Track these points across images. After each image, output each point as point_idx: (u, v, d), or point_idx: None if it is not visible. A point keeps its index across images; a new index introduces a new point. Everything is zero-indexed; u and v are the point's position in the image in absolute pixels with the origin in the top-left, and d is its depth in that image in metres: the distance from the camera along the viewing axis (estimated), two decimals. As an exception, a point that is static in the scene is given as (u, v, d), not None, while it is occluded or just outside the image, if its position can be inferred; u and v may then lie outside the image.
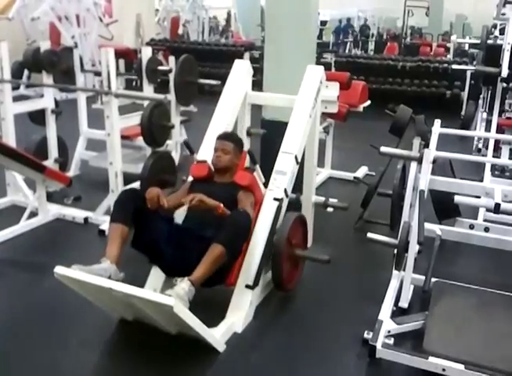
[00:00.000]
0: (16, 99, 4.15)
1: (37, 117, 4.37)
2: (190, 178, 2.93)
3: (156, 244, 2.52)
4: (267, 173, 2.93)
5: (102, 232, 3.49)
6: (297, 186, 3.16)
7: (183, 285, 2.24)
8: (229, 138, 2.89)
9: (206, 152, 3.00)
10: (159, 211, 2.53)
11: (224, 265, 2.46)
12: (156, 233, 2.53)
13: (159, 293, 2.40)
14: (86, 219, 3.68)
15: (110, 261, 2.36)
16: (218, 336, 2.33)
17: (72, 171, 4.69)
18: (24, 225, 3.51)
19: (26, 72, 6.99)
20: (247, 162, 2.99)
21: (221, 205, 2.47)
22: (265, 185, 2.91)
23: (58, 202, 3.92)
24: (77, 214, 3.73)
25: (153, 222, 2.54)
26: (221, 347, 2.33)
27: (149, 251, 2.57)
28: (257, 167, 2.91)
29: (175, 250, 2.51)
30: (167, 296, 2.07)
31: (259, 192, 2.86)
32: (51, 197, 3.88)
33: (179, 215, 2.74)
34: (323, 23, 16.53)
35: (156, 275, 2.68)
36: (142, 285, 2.59)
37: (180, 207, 2.73)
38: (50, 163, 4.23)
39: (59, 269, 2.18)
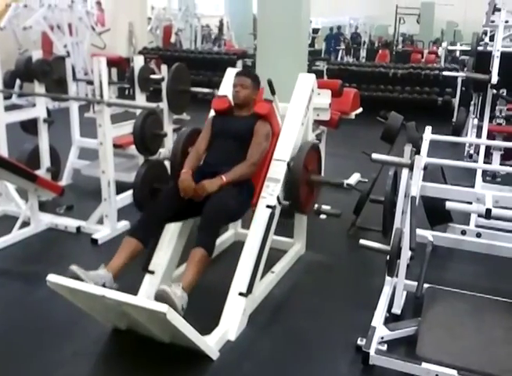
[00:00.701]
0: (7, 108, 4.14)
1: (30, 126, 4.37)
2: (212, 113, 3.11)
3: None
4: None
5: (94, 241, 3.49)
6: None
7: (176, 290, 2.24)
8: (247, 74, 3.07)
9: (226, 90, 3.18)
10: None
11: (248, 195, 2.80)
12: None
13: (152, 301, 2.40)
14: (79, 228, 3.67)
15: (108, 270, 2.37)
16: (211, 344, 2.33)
17: (64, 181, 4.68)
18: (16, 234, 3.50)
19: (18, 81, 6.96)
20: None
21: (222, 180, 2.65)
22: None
23: (50, 211, 3.91)
24: (70, 223, 3.72)
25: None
26: (214, 355, 2.33)
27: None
28: (276, 97, 3.10)
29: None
30: (164, 293, 2.15)
31: (276, 122, 3.06)
32: (43, 207, 3.87)
33: None
34: (315, 31, 16.64)
35: (149, 283, 2.68)
36: (134, 294, 2.58)
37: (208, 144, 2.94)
38: (42, 172, 4.22)
39: (52, 278, 2.17)
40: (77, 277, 2.24)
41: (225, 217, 2.66)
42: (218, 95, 3.18)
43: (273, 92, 3.14)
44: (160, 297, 2.19)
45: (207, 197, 2.59)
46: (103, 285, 2.29)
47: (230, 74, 3.37)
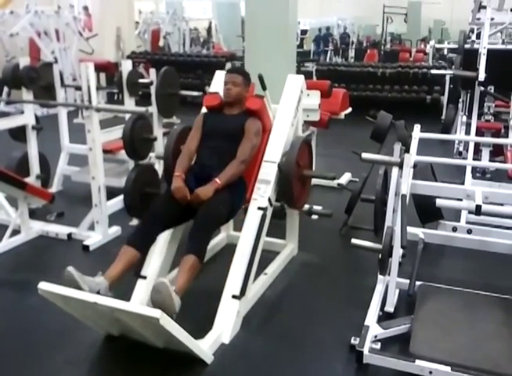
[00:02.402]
0: (-5, 116, 4.12)
1: (18, 133, 4.33)
2: (204, 110, 3.09)
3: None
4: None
5: (86, 247, 3.47)
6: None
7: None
8: (238, 71, 3.08)
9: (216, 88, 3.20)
10: None
11: (240, 194, 2.81)
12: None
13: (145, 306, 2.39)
14: (70, 235, 3.65)
15: (106, 278, 2.36)
16: (205, 348, 2.32)
17: (54, 187, 4.65)
18: (7, 243, 3.47)
19: (5, 89, 6.95)
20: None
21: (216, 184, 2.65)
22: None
23: (41, 219, 3.88)
24: (61, 230, 3.70)
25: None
26: (208, 359, 2.32)
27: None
28: (267, 92, 3.11)
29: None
30: (162, 285, 2.17)
31: (268, 118, 3.07)
32: (33, 214, 3.84)
33: None
34: (304, 32, 16.69)
35: (141, 289, 2.67)
36: (127, 300, 2.57)
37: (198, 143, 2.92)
38: (32, 179, 4.19)
39: (43, 285, 2.16)
40: (73, 279, 2.22)
41: (215, 223, 2.67)
42: (210, 92, 3.17)
43: (264, 88, 3.15)
44: (157, 290, 2.19)
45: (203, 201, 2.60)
46: (98, 292, 2.27)
47: (219, 76, 3.38)
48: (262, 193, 2.86)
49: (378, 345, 2.36)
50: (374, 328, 2.44)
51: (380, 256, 2.68)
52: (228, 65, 9.27)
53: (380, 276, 2.85)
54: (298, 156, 2.96)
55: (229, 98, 2.95)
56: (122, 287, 2.53)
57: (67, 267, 2.26)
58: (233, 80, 2.95)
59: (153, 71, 4.38)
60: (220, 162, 2.75)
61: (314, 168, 4.87)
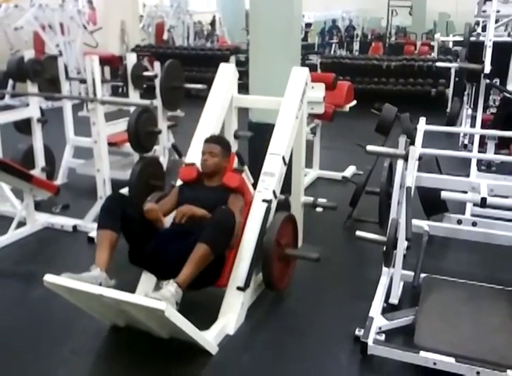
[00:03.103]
0: (1, 108, 4.15)
1: (23, 126, 4.35)
2: (179, 182, 2.93)
3: (153, 248, 2.52)
4: (255, 175, 2.94)
5: (91, 239, 3.48)
6: (286, 186, 3.18)
7: (170, 287, 2.24)
8: (216, 141, 2.89)
9: (194, 155, 3.01)
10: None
11: (214, 267, 2.47)
12: (150, 236, 2.55)
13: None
14: (75, 227, 3.67)
15: (100, 268, 2.35)
16: (210, 339, 2.33)
17: (59, 180, 4.67)
18: (13, 235, 3.49)
19: (10, 82, 6.96)
20: (235, 164, 3.00)
21: (209, 215, 2.50)
22: (254, 186, 2.92)
23: (46, 211, 3.90)
24: (66, 222, 3.71)
25: (144, 228, 2.56)
26: (213, 350, 2.33)
27: (147, 259, 2.56)
28: (246, 168, 2.92)
29: (166, 248, 2.50)
30: (155, 299, 2.07)
31: (248, 193, 2.87)
32: (39, 206, 3.86)
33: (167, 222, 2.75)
34: (308, 25, 16.60)
35: (146, 280, 2.68)
36: (133, 291, 2.59)
37: (169, 213, 2.75)
38: (37, 172, 4.21)
39: (49, 277, 2.17)
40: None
41: (229, 226, 2.47)
42: (186, 164, 2.96)
43: (242, 164, 2.93)
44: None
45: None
46: (100, 285, 2.27)
47: (223, 69, 3.37)
48: (266, 186, 2.85)
49: (382, 337, 2.37)
50: (379, 320, 2.45)
51: (384, 248, 2.69)
52: (233, 58, 9.26)
53: (384, 269, 2.85)
54: (279, 234, 2.70)
55: (207, 169, 2.79)
56: (126, 278, 2.54)
57: (62, 274, 2.22)
58: (211, 150, 2.80)
59: (157, 64, 4.37)
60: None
61: (319, 163, 4.91)
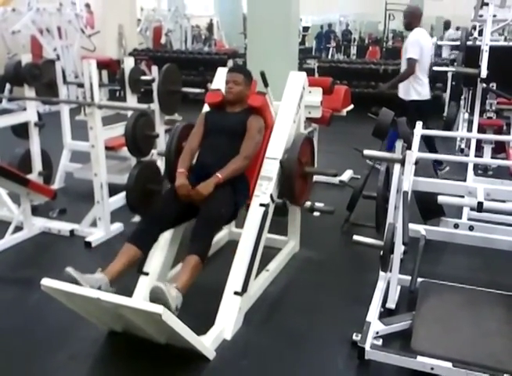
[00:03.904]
0: (-2, 113, 4.13)
1: (21, 130, 4.34)
2: (205, 108, 3.13)
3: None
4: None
5: (88, 244, 3.48)
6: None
7: (171, 290, 2.24)
8: (239, 70, 3.07)
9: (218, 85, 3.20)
10: None
11: (243, 191, 2.84)
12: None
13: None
14: (72, 232, 3.66)
15: (105, 274, 2.37)
16: (207, 344, 2.33)
17: (57, 184, 4.67)
18: (9, 239, 3.48)
19: (8, 86, 6.96)
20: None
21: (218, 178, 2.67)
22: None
23: (43, 215, 3.90)
24: (63, 226, 3.71)
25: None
26: (210, 354, 2.33)
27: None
28: (269, 89, 3.12)
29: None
30: (158, 289, 2.14)
31: (270, 115, 3.08)
32: (36, 211, 3.86)
33: None
34: (305, 29, 16.65)
35: (144, 285, 2.68)
36: (130, 296, 2.58)
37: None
38: (34, 176, 4.21)
39: (46, 281, 2.16)
40: (73, 279, 2.23)
41: (217, 224, 2.68)
42: (211, 89, 3.20)
43: (266, 85, 3.15)
44: (154, 293, 2.20)
45: (205, 199, 2.61)
46: (99, 288, 2.28)
47: (221, 73, 3.38)
48: (264, 190, 2.86)
49: (380, 342, 2.37)
50: (376, 324, 2.45)
51: (381, 253, 2.69)
52: (230, 62, 9.27)
53: (381, 273, 2.85)
54: (300, 153, 2.97)
55: (231, 97, 2.97)
56: (124, 283, 2.54)
57: (66, 268, 2.25)
58: (234, 79, 2.96)
59: (155, 68, 4.38)
60: (221, 160, 2.76)
61: (316, 165, 4.91)
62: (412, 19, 4.83)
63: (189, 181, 2.71)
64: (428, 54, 4.97)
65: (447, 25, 12.74)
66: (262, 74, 3.14)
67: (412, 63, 4.70)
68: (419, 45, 4.72)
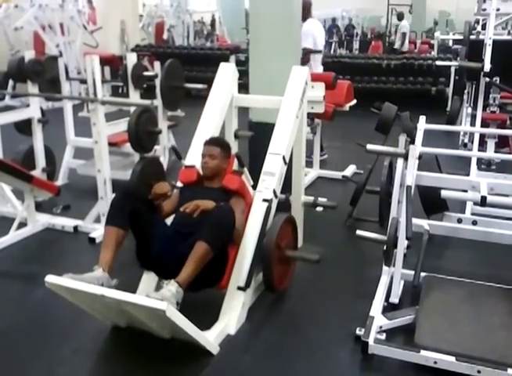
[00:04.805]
0: (1, 109, 4.15)
1: (24, 126, 4.35)
2: (179, 184, 2.92)
3: (158, 247, 2.52)
4: (256, 175, 2.94)
5: (92, 240, 3.49)
6: (286, 186, 3.18)
7: (170, 287, 2.24)
8: (215, 143, 2.88)
9: (194, 157, 3.00)
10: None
11: (216, 267, 2.49)
12: (157, 235, 2.55)
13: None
14: (76, 228, 3.68)
15: (103, 268, 2.36)
16: (211, 339, 2.34)
17: (60, 180, 4.68)
18: (14, 235, 3.50)
19: (11, 82, 6.96)
20: (235, 165, 2.99)
21: (215, 204, 2.50)
22: (254, 187, 2.91)
23: (47, 211, 3.91)
24: (67, 223, 3.72)
25: (153, 224, 2.59)
26: (214, 350, 2.34)
27: (153, 262, 2.57)
28: (245, 169, 2.90)
29: (171, 250, 2.50)
30: (155, 300, 2.07)
31: (248, 194, 2.87)
32: (40, 207, 3.87)
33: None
34: (308, 24, 16.49)
35: (147, 280, 2.69)
36: (134, 291, 2.60)
37: (170, 215, 2.76)
38: (38, 172, 4.22)
39: (50, 278, 2.17)
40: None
41: (228, 223, 2.48)
42: (186, 166, 2.96)
43: (242, 166, 2.89)
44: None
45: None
46: (101, 285, 2.28)
47: (223, 69, 3.37)
48: (267, 185, 2.85)
49: (383, 336, 2.37)
50: (379, 319, 2.45)
51: (385, 247, 2.69)
52: (233, 58, 9.25)
53: (384, 268, 2.85)
54: (279, 236, 2.70)
55: (207, 172, 2.79)
56: (127, 278, 2.55)
57: (64, 274, 2.22)
58: (211, 153, 2.79)
59: (157, 64, 4.38)
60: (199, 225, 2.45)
61: (318, 166, 4.92)
62: (304, 10, 5.01)
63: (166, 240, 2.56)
64: (321, 43, 5.42)
65: (400, 16, 12.79)
66: (238, 157, 2.88)
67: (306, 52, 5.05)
68: (312, 35, 5.17)
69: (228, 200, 2.70)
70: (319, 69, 5.38)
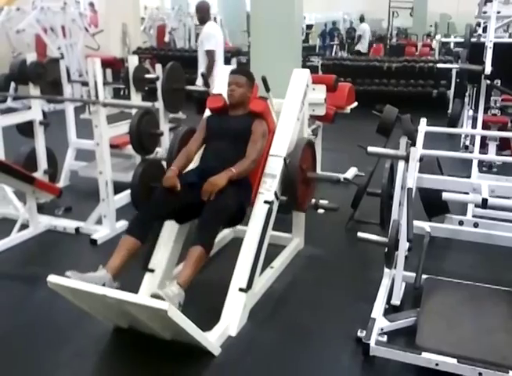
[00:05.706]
0: (3, 111, 4.16)
1: (26, 129, 4.36)
2: (207, 112, 3.07)
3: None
4: (256, 177, 2.95)
5: (94, 241, 3.50)
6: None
7: (172, 288, 2.26)
8: (241, 72, 3.04)
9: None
10: None
11: (245, 194, 2.78)
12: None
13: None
14: (77, 229, 3.68)
15: (108, 271, 2.37)
16: (212, 340, 2.34)
17: (62, 182, 4.68)
18: (15, 237, 3.50)
19: (13, 84, 6.98)
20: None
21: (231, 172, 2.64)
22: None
23: (49, 213, 3.92)
24: (68, 224, 3.73)
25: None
26: (216, 351, 2.34)
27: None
28: (270, 94, 3.08)
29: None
30: (157, 297, 2.11)
31: (271, 119, 3.05)
32: (41, 209, 3.87)
33: None
34: (309, 27, 16.62)
35: (149, 281, 2.69)
36: (135, 292, 2.59)
37: (201, 146, 2.95)
38: (39, 174, 4.22)
39: (52, 278, 2.18)
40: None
41: (224, 217, 2.63)
42: (213, 94, 3.15)
43: (268, 89, 3.11)
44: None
45: (207, 199, 2.58)
46: (103, 285, 2.29)
47: (224, 71, 3.38)
48: (268, 187, 2.87)
49: (384, 338, 2.37)
50: (381, 321, 2.45)
51: (386, 250, 2.69)
52: (234, 60, 9.27)
53: (386, 270, 2.85)
54: (302, 158, 2.93)
55: (233, 99, 2.93)
56: (129, 279, 2.55)
57: (66, 272, 2.25)
58: (236, 81, 2.92)
59: (159, 67, 4.38)
60: (224, 163, 2.71)
61: (321, 165, 4.91)
62: (204, 13, 5.37)
63: (189, 179, 2.71)
64: (222, 44, 5.54)
65: (362, 19, 13.12)
66: (264, 79, 3.11)
67: (211, 54, 5.31)
68: (214, 37, 5.33)
69: (251, 124, 2.85)
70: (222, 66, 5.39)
